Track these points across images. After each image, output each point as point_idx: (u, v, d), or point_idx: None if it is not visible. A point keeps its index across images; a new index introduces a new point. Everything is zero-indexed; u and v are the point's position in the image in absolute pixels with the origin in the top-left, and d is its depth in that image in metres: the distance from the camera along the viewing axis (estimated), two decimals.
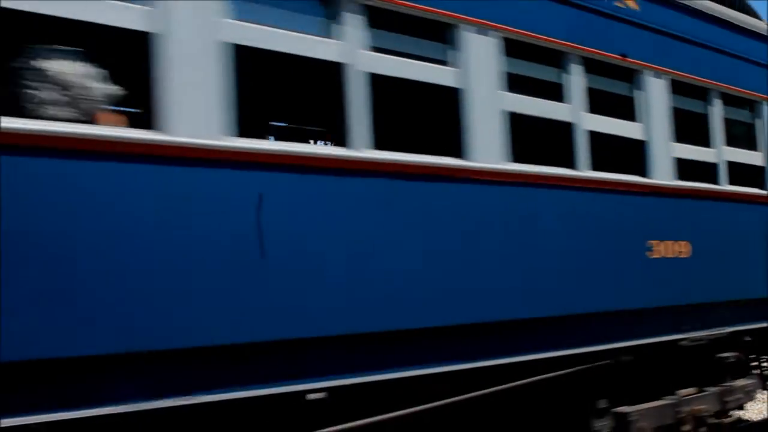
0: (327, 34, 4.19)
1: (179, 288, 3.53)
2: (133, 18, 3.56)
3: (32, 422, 3.15)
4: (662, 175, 5.88)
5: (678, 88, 6.12)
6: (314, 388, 3.97)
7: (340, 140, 4.20)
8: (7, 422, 3.07)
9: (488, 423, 5.17)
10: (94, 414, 3.32)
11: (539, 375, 5.08)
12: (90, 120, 3.53)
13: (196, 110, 3.66)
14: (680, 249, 5.95)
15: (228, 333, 3.67)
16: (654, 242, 5.74)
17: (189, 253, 3.56)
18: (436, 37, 4.69)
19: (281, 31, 4.02)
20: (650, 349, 5.77)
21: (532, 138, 5.23)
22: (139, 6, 3.57)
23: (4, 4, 3.23)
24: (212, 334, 3.63)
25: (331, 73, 4.20)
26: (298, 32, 4.08)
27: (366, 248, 4.15)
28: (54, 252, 3.21)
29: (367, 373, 4.22)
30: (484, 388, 4.82)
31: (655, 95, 5.91)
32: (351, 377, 4.15)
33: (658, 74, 5.93)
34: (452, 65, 4.69)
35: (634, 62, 5.76)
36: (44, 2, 3.34)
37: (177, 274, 3.52)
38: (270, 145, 4.17)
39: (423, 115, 4.83)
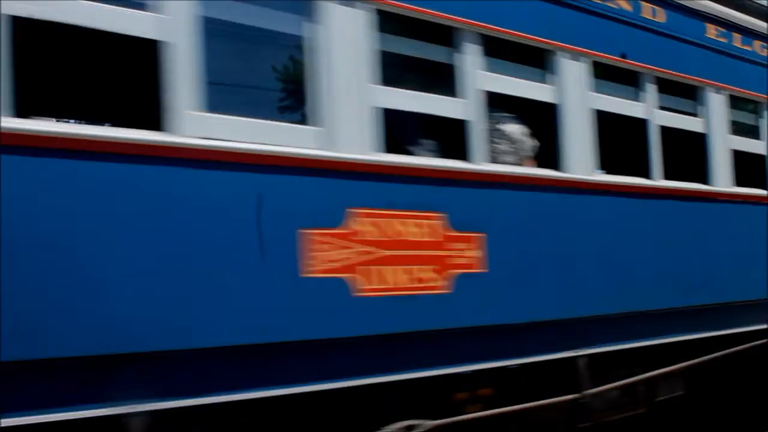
0: (636, 98, 5.99)
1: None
2: (545, 94, 5.32)
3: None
4: None
5: None
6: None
7: (645, 173, 5.98)
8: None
9: (704, 380, 6.96)
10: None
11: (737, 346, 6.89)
12: (521, 164, 5.27)
13: (581, 155, 5.42)
14: None
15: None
16: None
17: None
18: (690, 95, 6.50)
19: (619, 99, 5.83)
20: None
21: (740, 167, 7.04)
22: (549, 85, 5.33)
23: (486, 88, 4.96)
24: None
25: (638, 126, 6.00)
26: (621, 98, 5.90)
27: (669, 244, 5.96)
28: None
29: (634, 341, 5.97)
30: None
31: None
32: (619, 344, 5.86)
33: None
34: (700, 116, 6.51)
35: None
36: (506, 85, 5.11)
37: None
38: (614, 178, 5.93)
39: (686, 154, 6.63)
